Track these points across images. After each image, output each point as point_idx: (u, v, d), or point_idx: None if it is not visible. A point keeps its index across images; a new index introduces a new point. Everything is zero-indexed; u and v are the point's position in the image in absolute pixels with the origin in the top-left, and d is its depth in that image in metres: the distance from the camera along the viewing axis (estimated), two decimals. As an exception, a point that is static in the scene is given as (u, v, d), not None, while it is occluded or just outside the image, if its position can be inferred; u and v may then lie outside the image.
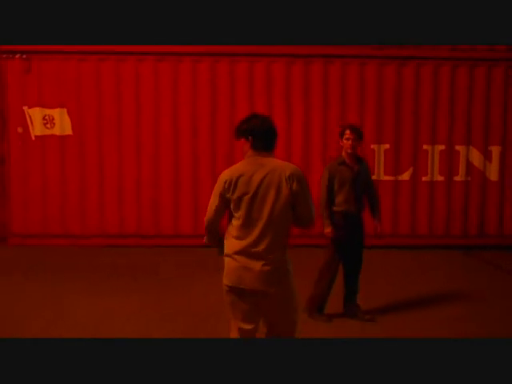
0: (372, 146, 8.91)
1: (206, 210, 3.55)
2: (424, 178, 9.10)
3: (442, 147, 9.08)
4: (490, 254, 8.71)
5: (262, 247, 3.36)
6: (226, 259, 3.47)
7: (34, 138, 8.82)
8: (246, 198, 3.37)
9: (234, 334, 3.52)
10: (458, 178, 9.14)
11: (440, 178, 9.11)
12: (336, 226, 5.48)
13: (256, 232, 3.37)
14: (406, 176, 9.07)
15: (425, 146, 9.06)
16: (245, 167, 3.44)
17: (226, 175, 3.46)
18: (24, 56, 8.65)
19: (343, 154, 5.52)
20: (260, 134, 3.47)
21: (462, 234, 9.18)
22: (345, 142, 5.46)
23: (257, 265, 3.36)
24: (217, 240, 3.57)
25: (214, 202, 3.49)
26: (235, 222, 3.43)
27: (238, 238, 3.41)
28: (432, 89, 8.98)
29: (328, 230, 5.48)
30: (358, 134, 5.46)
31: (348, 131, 5.45)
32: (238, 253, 3.39)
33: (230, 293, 3.46)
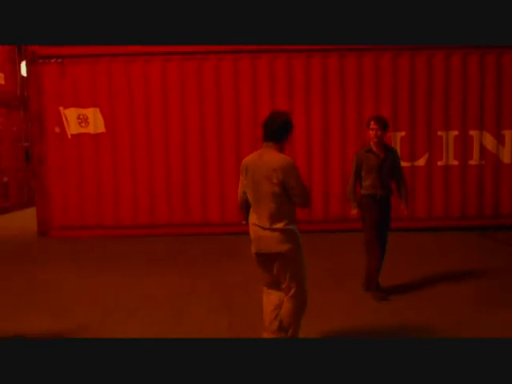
0: (388, 134, 9.32)
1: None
2: (439, 163, 9.53)
3: (456, 133, 9.49)
4: (504, 235, 9.07)
5: (266, 222, 4.07)
6: (250, 229, 4.26)
7: (70, 136, 9.44)
8: (251, 184, 4.13)
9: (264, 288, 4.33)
10: (472, 162, 9.55)
11: (455, 163, 9.52)
12: (363, 208, 5.97)
13: (260, 211, 4.11)
14: (421, 162, 9.50)
15: (439, 133, 9.48)
16: (253, 157, 4.18)
17: (243, 162, 4.26)
18: (59, 60, 9.28)
19: (371, 142, 6.01)
20: (263, 127, 4.19)
21: (478, 215, 9.59)
22: (370, 132, 5.95)
23: (266, 233, 4.09)
24: (245, 214, 4.37)
25: (239, 184, 4.30)
26: (250, 200, 4.21)
27: (253, 212, 4.19)
28: (444, 77, 9.39)
29: (354, 211, 6.00)
30: (381, 124, 5.91)
31: (372, 122, 5.93)
32: (254, 224, 4.17)
33: (256, 257, 4.26)
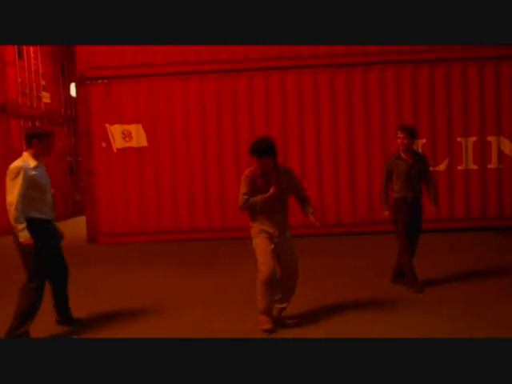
0: (410, 142, 9.95)
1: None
2: (459, 168, 10.12)
3: (475, 139, 10.08)
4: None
5: None
6: None
7: (115, 150, 10.31)
8: None
9: None
10: (491, 166, 10.11)
11: (474, 167, 10.09)
12: (395, 211, 6.53)
13: None
14: (442, 167, 10.10)
15: (458, 139, 10.09)
16: None
17: None
18: (105, 81, 10.17)
19: (399, 150, 6.59)
20: None
21: (497, 216, 10.13)
22: (398, 140, 6.56)
23: None
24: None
25: None
26: None
27: None
28: (462, 86, 10.00)
29: (386, 213, 6.61)
30: (408, 133, 6.48)
31: (399, 131, 6.55)
32: None
33: None
